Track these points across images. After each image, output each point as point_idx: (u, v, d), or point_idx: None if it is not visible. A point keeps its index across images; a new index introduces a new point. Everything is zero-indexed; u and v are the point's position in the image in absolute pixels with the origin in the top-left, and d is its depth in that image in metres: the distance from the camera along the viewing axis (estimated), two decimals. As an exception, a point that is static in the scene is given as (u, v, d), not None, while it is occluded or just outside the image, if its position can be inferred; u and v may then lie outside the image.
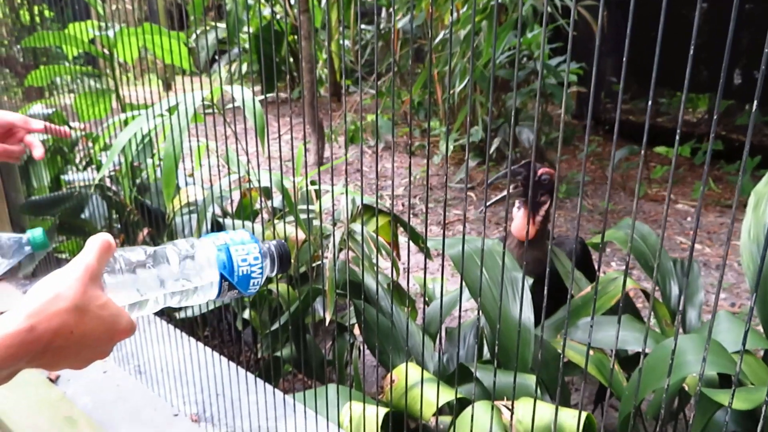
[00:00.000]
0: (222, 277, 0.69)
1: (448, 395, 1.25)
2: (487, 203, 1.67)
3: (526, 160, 2.04)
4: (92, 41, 2.27)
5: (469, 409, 1.14)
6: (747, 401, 0.98)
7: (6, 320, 0.55)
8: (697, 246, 3.71)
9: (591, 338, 0.73)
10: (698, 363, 1.17)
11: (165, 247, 0.69)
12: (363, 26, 6.87)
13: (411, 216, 4.39)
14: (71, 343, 0.57)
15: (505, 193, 1.93)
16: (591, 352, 1.58)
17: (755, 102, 0.60)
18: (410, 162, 0.81)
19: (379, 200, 2.13)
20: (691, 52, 0.61)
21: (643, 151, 0.66)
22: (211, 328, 2.42)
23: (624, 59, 0.67)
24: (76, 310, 0.57)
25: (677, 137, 0.64)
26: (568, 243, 2.17)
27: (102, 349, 0.62)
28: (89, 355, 0.61)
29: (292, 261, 1.78)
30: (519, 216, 2.00)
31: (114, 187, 2.32)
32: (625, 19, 0.65)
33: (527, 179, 1.91)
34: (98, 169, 2.30)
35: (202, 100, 1.15)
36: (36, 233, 0.83)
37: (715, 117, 0.66)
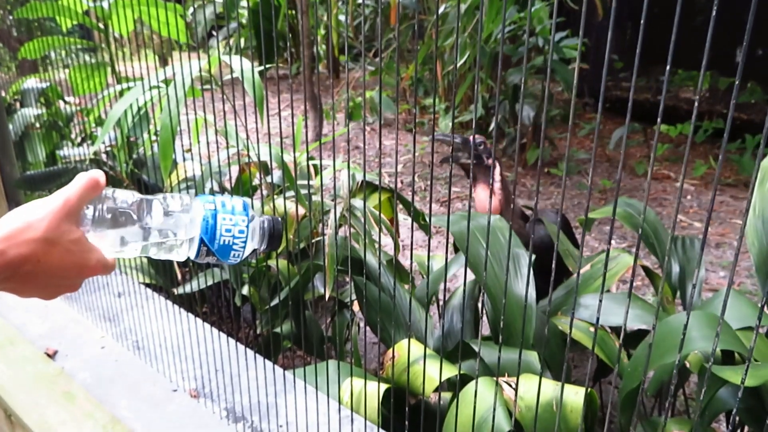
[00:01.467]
0: (201, 240, 0.68)
1: (449, 371, 1.24)
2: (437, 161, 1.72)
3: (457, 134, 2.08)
4: (86, 13, 2.23)
5: (471, 385, 1.14)
6: (754, 377, 0.97)
7: None
8: (697, 224, 3.70)
9: (600, 315, 0.72)
10: (702, 339, 1.16)
11: (154, 199, 0.68)
12: (361, 0, 6.77)
13: (411, 193, 4.37)
14: (39, 271, 0.59)
15: (456, 155, 1.95)
16: (592, 329, 1.57)
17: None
18: (414, 139, 0.79)
19: (376, 178, 2.11)
20: (710, 31, 0.58)
21: (657, 129, 0.64)
22: (210, 304, 2.42)
23: (639, 42, 0.65)
24: (46, 241, 0.58)
25: (694, 115, 0.62)
26: (548, 216, 2.11)
27: (70, 282, 0.63)
28: (57, 286, 0.63)
29: (290, 237, 1.76)
30: (478, 191, 1.95)
31: (110, 162, 2.29)
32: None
33: (466, 145, 1.90)
34: (93, 143, 2.27)
35: (200, 70, 1.12)
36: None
37: (733, 102, 0.64)
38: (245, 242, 0.70)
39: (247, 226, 0.70)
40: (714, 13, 0.56)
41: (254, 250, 0.73)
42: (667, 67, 0.61)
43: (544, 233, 1.94)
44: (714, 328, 1.19)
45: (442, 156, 5.08)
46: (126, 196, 0.66)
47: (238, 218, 0.69)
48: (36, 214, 0.59)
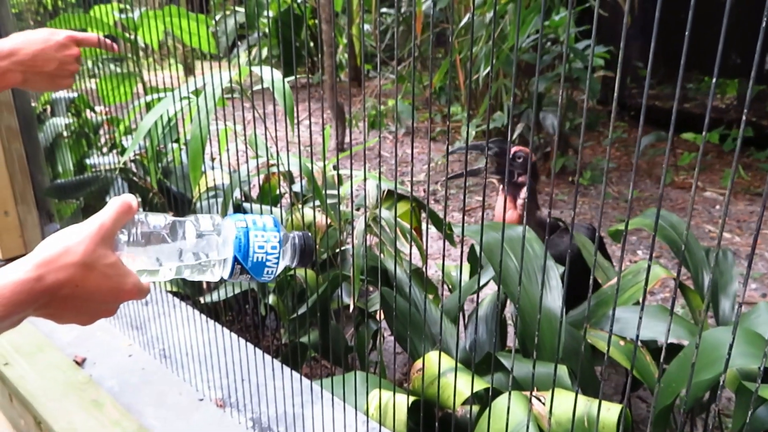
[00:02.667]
0: (235, 259, 0.68)
1: (477, 385, 1.23)
2: (449, 176, 1.58)
3: (499, 138, 1.90)
4: (116, 24, 2.26)
5: (501, 399, 1.12)
6: (796, 397, 0.94)
7: (16, 267, 0.57)
8: (726, 235, 3.63)
9: (634, 330, 0.70)
10: (740, 357, 1.13)
11: (186, 220, 0.68)
12: (384, 9, 6.80)
13: (435, 202, 4.35)
14: (77, 296, 0.60)
15: (477, 166, 1.83)
16: (622, 343, 1.54)
17: None
18: (447, 147, 0.78)
19: (401, 186, 2.10)
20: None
21: (703, 140, 0.62)
22: (234, 312, 2.42)
23: (684, 53, 0.63)
24: (84, 266, 0.59)
25: (742, 128, 0.60)
26: (580, 231, 2.05)
27: (107, 307, 0.64)
28: (94, 311, 0.63)
29: (317, 248, 1.76)
30: (499, 201, 1.88)
31: (139, 172, 2.31)
32: (653, 1, 0.61)
33: (501, 156, 1.77)
34: (122, 153, 2.30)
35: (230, 80, 1.13)
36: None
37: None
38: (278, 258, 0.69)
39: (279, 242, 0.69)
40: (764, 24, 0.54)
41: (286, 267, 0.73)
42: (714, 80, 0.60)
43: (565, 247, 1.89)
44: (752, 345, 1.15)
45: (469, 166, 5.06)
46: (158, 220, 0.67)
47: (270, 235, 0.69)
48: (73, 239, 0.60)
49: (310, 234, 0.74)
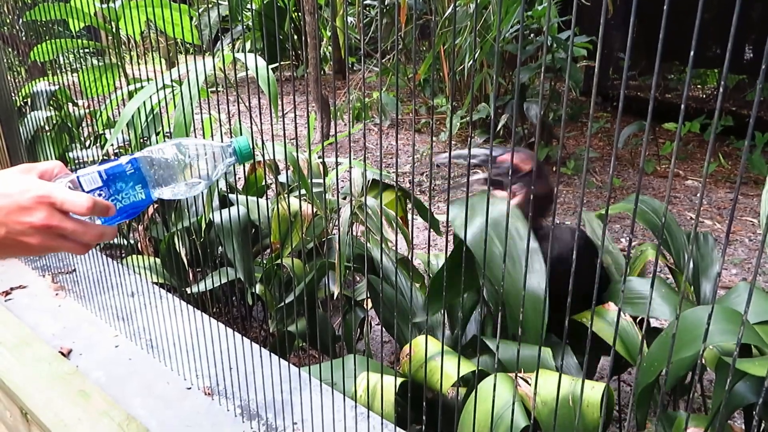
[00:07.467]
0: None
1: (464, 367, 1.24)
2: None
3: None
4: (96, 14, 2.24)
5: (487, 381, 1.13)
6: (773, 371, 0.96)
7: None
8: (707, 222, 3.68)
9: (621, 308, 0.71)
10: (719, 334, 1.16)
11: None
12: (368, 1, 6.78)
13: (420, 193, 4.37)
14: None
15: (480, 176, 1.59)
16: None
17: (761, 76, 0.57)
18: (431, 139, 0.79)
19: (386, 176, 2.11)
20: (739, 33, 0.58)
21: (679, 130, 0.64)
22: (220, 304, 2.42)
23: (660, 44, 0.64)
24: None
25: (717, 113, 0.62)
26: (563, 234, 1.78)
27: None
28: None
29: (303, 236, 1.76)
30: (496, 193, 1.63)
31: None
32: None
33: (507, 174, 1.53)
34: (103, 146, 2.28)
35: (214, 67, 1.13)
36: (242, 142, 0.81)
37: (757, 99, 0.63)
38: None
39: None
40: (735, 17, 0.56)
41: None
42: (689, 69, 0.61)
43: (568, 238, 1.74)
44: (731, 323, 1.18)
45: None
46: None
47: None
48: None
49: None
